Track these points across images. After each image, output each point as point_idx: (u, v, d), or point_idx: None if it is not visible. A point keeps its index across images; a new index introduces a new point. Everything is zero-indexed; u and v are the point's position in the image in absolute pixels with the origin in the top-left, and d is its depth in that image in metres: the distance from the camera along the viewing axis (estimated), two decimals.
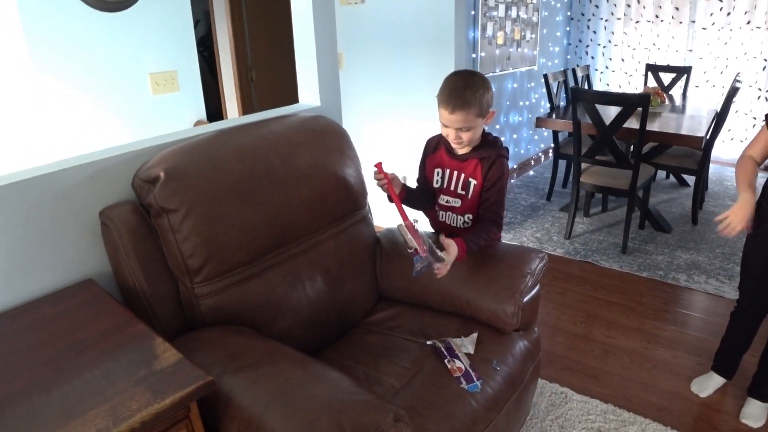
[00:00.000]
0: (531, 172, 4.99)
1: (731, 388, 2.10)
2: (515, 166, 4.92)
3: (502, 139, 4.59)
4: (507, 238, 3.46)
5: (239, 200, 1.47)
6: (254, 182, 1.51)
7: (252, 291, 1.50)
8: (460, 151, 1.72)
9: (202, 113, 2.93)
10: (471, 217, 1.76)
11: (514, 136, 4.81)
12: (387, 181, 1.63)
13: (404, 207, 1.62)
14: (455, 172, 1.74)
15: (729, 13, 4.80)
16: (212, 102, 4.58)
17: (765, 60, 4.76)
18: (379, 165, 1.65)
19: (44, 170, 1.40)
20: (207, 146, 1.53)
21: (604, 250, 3.27)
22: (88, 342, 1.15)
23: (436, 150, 1.80)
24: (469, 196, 1.72)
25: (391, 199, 1.64)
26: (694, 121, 3.42)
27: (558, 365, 2.25)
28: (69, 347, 1.13)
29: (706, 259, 3.13)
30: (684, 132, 3.05)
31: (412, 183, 1.88)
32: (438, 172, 1.78)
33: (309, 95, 2.06)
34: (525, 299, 1.60)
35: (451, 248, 1.51)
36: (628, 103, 2.90)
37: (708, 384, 2.11)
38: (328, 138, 1.75)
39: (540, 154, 5.45)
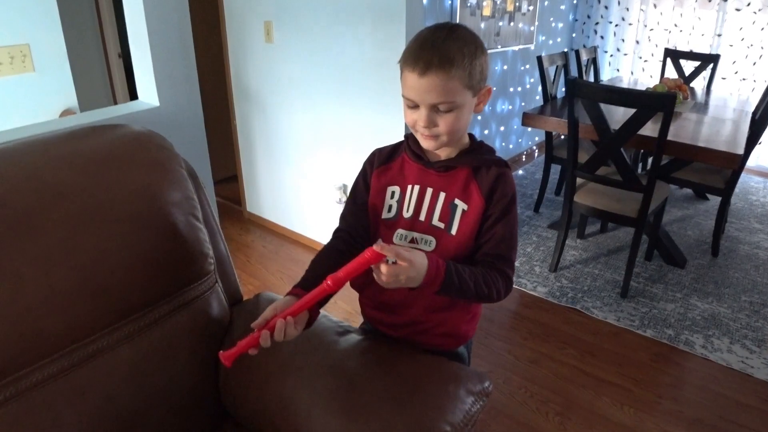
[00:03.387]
0: (520, 171, 4.24)
1: None
2: None
3: (485, 132, 3.87)
4: None
5: None
6: None
7: None
8: (442, 154, 1.01)
9: (71, 100, 2.17)
10: None
11: (502, 128, 4.04)
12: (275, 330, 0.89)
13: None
14: (429, 190, 1.02)
15: None
16: None
17: None
18: (230, 356, 0.89)
19: None
20: None
21: (598, 291, 2.55)
22: None
23: (391, 159, 1.08)
24: (454, 230, 1.00)
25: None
26: (725, 128, 2.66)
27: None
28: None
29: (729, 312, 2.42)
30: (716, 147, 2.29)
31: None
32: (393, 193, 1.05)
33: (146, 91, 1.32)
34: None
35: (417, 256, 0.87)
36: (645, 103, 2.14)
37: None
38: (132, 170, 1.02)
39: (534, 148, 4.69)
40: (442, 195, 1.01)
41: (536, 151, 4.69)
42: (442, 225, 1.01)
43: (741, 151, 2.22)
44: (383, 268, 0.84)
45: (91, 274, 0.93)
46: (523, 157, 4.50)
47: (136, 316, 1.01)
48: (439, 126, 0.93)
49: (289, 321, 0.89)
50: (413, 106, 0.94)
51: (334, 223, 1.12)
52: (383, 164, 1.08)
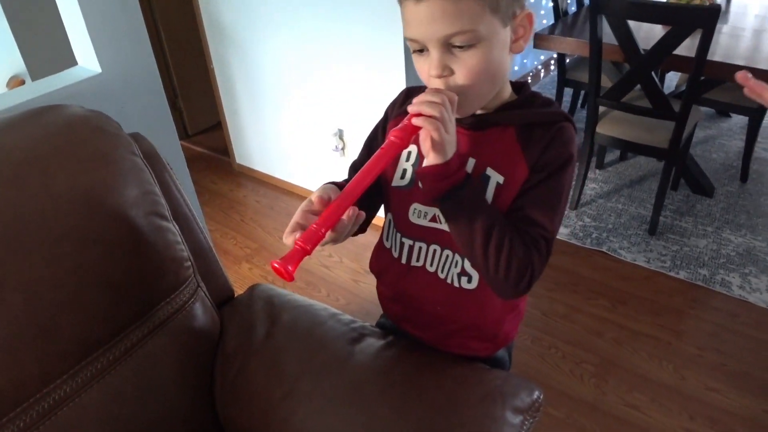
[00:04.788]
0: None
1: None
2: None
3: None
4: None
5: None
6: None
7: None
8: (477, 110, 0.76)
9: (18, 66, 1.84)
10: None
11: None
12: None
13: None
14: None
15: None
16: None
17: None
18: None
19: None
20: None
21: (624, 229, 2.35)
22: None
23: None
24: None
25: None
26: (763, 42, 2.36)
27: None
28: None
29: (764, 245, 2.23)
30: (757, 65, 2.01)
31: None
32: (409, 154, 0.82)
33: (84, 55, 1.04)
34: None
35: None
36: (684, 19, 1.85)
37: None
38: (66, 169, 0.78)
39: (539, 67, 4.35)
40: (471, 162, 0.76)
41: (542, 71, 4.35)
42: None
43: None
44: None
45: (28, 316, 0.71)
46: (529, 78, 4.18)
47: (100, 353, 0.81)
48: (455, 71, 0.67)
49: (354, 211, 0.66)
50: (419, 48, 0.68)
51: (333, 173, 0.90)
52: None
